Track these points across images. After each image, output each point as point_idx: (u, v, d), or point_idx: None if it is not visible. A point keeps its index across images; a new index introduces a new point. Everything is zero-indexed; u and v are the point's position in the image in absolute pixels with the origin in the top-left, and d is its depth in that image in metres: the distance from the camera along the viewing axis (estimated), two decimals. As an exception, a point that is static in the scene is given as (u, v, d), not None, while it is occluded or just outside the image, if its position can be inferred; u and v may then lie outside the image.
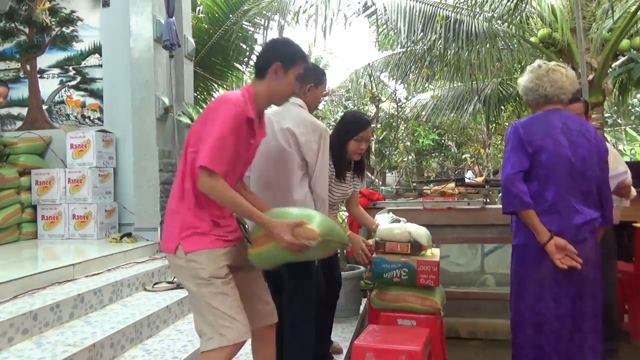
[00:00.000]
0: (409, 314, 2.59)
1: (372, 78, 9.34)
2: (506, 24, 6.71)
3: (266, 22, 7.12)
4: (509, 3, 6.20)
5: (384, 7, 6.99)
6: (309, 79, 2.45)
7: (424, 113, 10.41)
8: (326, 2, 6.65)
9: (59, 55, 5.04)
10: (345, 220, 4.07)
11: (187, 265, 1.84)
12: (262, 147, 2.16)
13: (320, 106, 11.88)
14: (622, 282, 3.58)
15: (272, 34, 7.34)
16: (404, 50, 7.92)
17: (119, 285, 3.24)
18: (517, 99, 8.68)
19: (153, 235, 4.40)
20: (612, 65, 6.64)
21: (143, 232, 4.44)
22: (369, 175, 9.22)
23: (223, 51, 7.13)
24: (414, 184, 7.19)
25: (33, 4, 5.02)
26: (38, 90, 5.08)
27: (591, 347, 2.22)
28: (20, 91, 5.09)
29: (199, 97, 7.26)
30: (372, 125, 8.95)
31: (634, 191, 2.91)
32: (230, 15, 7.03)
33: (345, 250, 3.78)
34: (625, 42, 6.21)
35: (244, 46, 7.38)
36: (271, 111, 2.64)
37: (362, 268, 3.85)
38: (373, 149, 9.73)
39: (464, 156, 13.06)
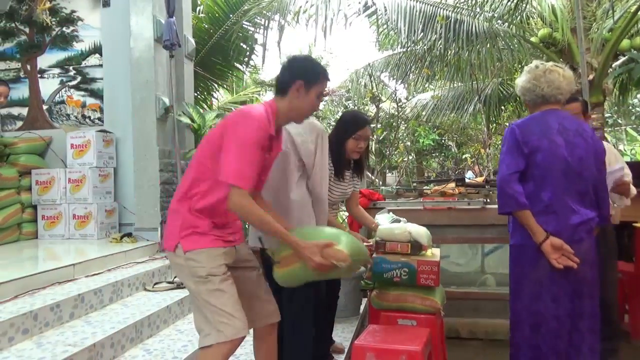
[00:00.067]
0: (409, 314, 2.59)
1: (372, 78, 9.34)
2: (506, 24, 6.70)
3: (266, 22, 7.12)
4: (509, 3, 6.20)
5: (384, 7, 6.99)
6: None
7: (424, 113, 10.40)
8: (326, 2, 6.64)
9: (60, 55, 5.04)
10: (346, 220, 4.07)
11: (186, 263, 1.86)
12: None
13: (321, 106, 11.88)
14: (622, 282, 3.58)
15: (273, 34, 7.35)
16: (404, 50, 7.92)
17: (119, 285, 3.25)
18: (518, 99, 8.67)
19: (153, 235, 4.40)
20: (613, 65, 6.63)
21: (143, 232, 4.44)
22: (369, 175, 9.23)
23: (223, 51, 7.13)
24: (414, 184, 7.19)
25: (33, 3, 5.02)
26: (38, 90, 5.09)
27: (590, 347, 2.22)
28: (21, 91, 5.10)
29: (199, 97, 7.27)
30: (372, 125, 8.96)
31: (633, 189, 2.90)
32: (231, 15, 7.04)
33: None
34: (625, 42, 6.21)
35: (244, 46, 7.38)
36: None
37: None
38: (373, 149, 9.72)
39: (464, 156, 13.05)
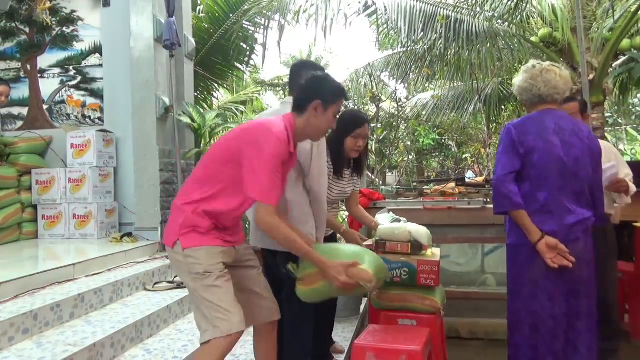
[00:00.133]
0: (409, 314, 2.59)
1: (372, 78, 9.34)
2: (507, 23, 6.69)
3: (266, 21, 7.11)
4: (509, 2, 6.19)
5: (385, 7, 6.98)
6: (302, 77, 2.44)
7: (424, 113, 10.40)
8: (326, 2, 6.64)
9: (60, 55, 5.04)
10: (346, 219, 4.07)
11: (185, 260, 1.89)
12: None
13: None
14: (622, 281, 3.58)
15: (273, 34, 7.36)
16: (405, 49, 7.91)
17: (120, 285, 3.25)
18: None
19: (153, 234, 4.40)
20: (613, 65, 6.63)
21: (143, 232, 4.44)
22: (369, 174, 9.23)
23: (223, 51, 7.13)
24: (415, 184, 7.19)
25: (33, 3, 5.02)
26: (38, 90, 5.09)
27: (588, 347, 2.22)
28: (21, 91, 5.10)
29: (199, 96, 7.27)
30: (373, 125, 8.95)
31: (633, 187, 2.89)
32: (231, 15, 7.03)
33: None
34: (625, 42, 6.20)
35: (245, 46, 7.38)
36: (269, 112, 2.64)
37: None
38: (373, 149, 9.72)
39: (464, 156, 13.06)
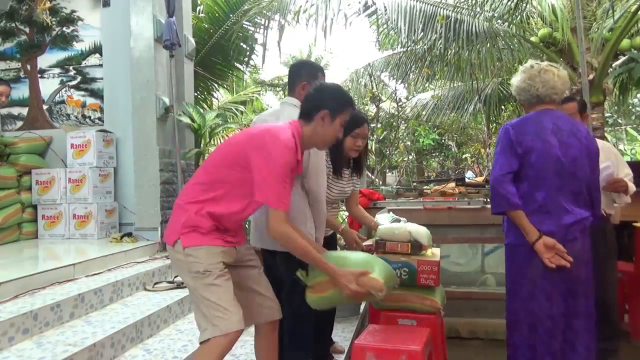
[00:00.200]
0: (409, 314, 2.59)
1: (372, 78, 9.34)
2: (506, 23, 6.69)
3: (266, 21, 7.11)
4: (509, 3, 6.19)
5: (385, 7, 6.98)
6: (300, 77, 2.44)
7: (424, 113, 10.40)
8: (326, 2, 6.64)
9: (60, 55, 5.05)
10: (346, 219, 4.07)
11: (185, 259, 1.90)
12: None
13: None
14: (622, 281, 3.58)
15: (273, 34, 7.36)
16: (405, 49, 7.92)
17: (120, 285, 3.25)
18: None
19: (153, 234, 4.41)
20: (613, 65, 6.63)
21: (143, 232, 4.44)
22: (369, 175, 9.23)
23: (223, 51, 7.13)
24: (415, 184, 7.19)
25: (33, 3, 5.02)
26: (38, 90, 5.09)
27: (586, 347, 2.22)
28: (21, 91, 5.10)
29: (199, 96, 7.27)
30: (373, 125, 8.95)
31: (632, 186, 2.89)
32: (231, 15, 7.04)
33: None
34: (625, 42, 6.20)
35: (245, 46, 7.38)
36: (267, 112, 2.65)
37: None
38: (373, 149, 9.72)
39: (464, 156, 13.06)
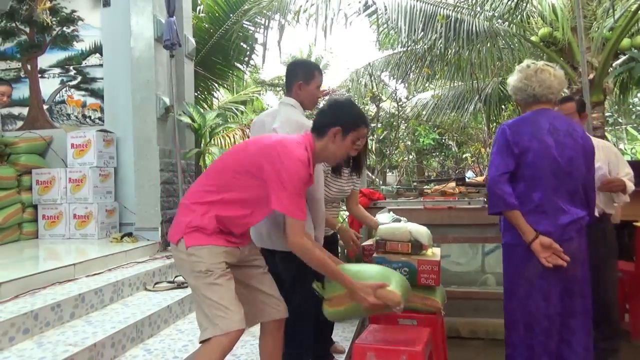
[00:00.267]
0: (409, 314, 2.58)
1: (372, 77, 9.34)
2: (507, 23, 6.69)
3: (267, 21, 7.11)
4: (509, 2, 6.18)
5: (385, 7, 6.97)
6: (297, 76, 2.45)
7: (424, 112, 10.40)
8: (327, 2, 6.63)
9: (60, 55, 5.05)
10: (346, 219, 4.07)
11: (188, 258, 1.90)
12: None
13: (321, 105, 11.87)
14: (622, 281, 3.58)
15: (273, 34, 7.36)
16: (405, 49, 7.91)
17: (120, 285, 3.25)
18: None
19: (154, 234, 4.41)
20: (613, 64, 6.63)
21: (144, 232, 4.44)
22: (370, 174, 9.23)
23: (224, 51, 7.14)
24: (415, 184, 7.19)
25: (34, 3, 5.02)
26: (39, 90, 5.09)
27: (584, 346, 2.23)
28: (21, 91, 5.10)
29: (199, 96, 7.27)
30: (373, 125, 8.95)
31: (630, 185, 2.89)
32: (231, 15, 7.04)
33: (345, 251, 3.77)
34: (626, 41, 6.20)
35: (245, 46, 7.38)
36: (265, 113, 2.65)
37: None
38: (374, 149, 9.72)
39: (464, 155, 13.07)
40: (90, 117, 5.00)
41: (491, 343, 3.63)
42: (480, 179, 4.73)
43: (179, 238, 1.91)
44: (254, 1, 6.96)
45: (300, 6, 7.00)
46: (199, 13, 7.26)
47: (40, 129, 4.95)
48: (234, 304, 1.87)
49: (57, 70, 5.06)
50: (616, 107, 11.37)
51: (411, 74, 8.82)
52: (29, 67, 5.10)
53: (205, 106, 7.55)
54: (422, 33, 6.83)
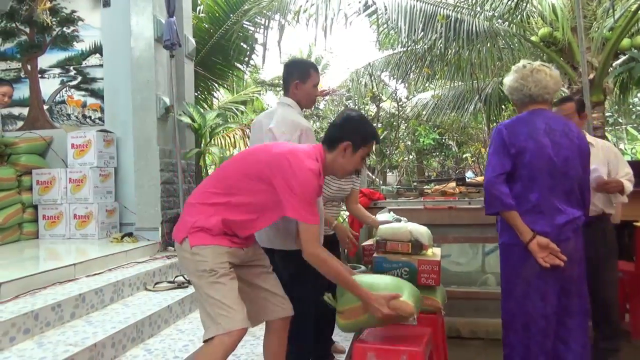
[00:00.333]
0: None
1: (372, 77, 9.35)
2: (507, 23, 6.68)
3: (267, 21, 7.11)
4: (509, 2, 6.18)
5: (385, 7, 6.97)
6: (293, 75, 2.45)
7: (424, 112, 10.40)
8: (327, 2, 6.63)
9: (60, 55, 5.05)
10: (346, 219, 4.08)
11: (192, 257, 1.91)
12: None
13: (321, 105, 11.90)
14: (622, 281, 3.58)
15: (273, 34, 7.36)
16: (405, 49, 7.91)
17: (120, 285, 3.25)
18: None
19: (154, 234, 4.41)
20: (613, 64, 6.63)
21: (144, 232, 4.44)
22: (370, 174, 9.23)
23: (224, 51, 7.14)
24: (415, 184, 7.19)
25: (34, 3, 5.02)
26: (39, 90, 5.09)
27: (582, 345, 2.23)
28: (21, 91, 5.10)
29: (199, 96, 7.27)
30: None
31: (629, 186, 2.89)
32: (231, 15, 7.04)
33: (345, 251, 3.78)
34: (626, 41, 6.20)
35: (245, 46, 7.38)
36: (263, 113, 2.66)
37: (363, 267, 3.85)
38: (374, 149, 9.72)
39: (464, 155, 13.07)
40: (90, 117, 5.00)
41: (491, 343, 3.63)
42: (480, 179, 4.73)
43: (184, 237, 1.92)
44: (254, 1, 6.96)
45: (300, 6, 7.00)
46: (199, 13, 7.26)
47: (41, 129, 4.95)
48: (236, 303, 1.87)
49: (57, 71, 5.06)
50: (616, 107, 11.37)
51: (411, 74, 8.81)
52: (29, 67, 5.10)
53: (206, 106, 7.55)
54: (422, 33, 6.83)
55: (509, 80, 2.38)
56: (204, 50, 6.90)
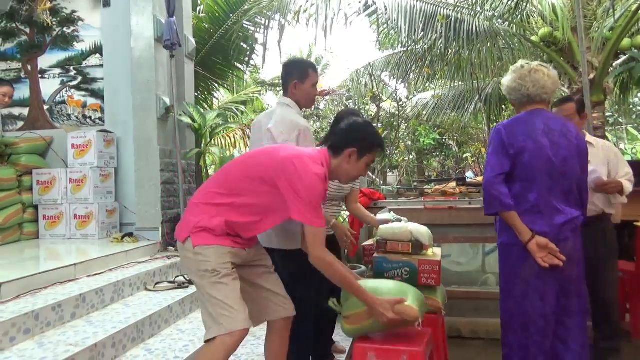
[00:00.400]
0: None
1: (373, 77, 9.34)
2: (507, 22, 6.69)
3: (267, 21, 7.11)
4: (509, 2, 6.18)
5: (385, 7, 6.97)
6: (292, 75, 2.45)
7: (424, 112, 10.39)
8: (327, 2, 6.63)
9: (60, 56, 5.05)
10: (347, 220, 4.08)
11: (194, 257, 1.91)
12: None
13: (321, 105, 11.89)
14: (623, 281, 3.58)
15: (273, 34, 7.37)
16: (405, 49, 7.91)
17: (121, 285, 3.25)
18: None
19: (154, 234, 4.41)
20: (613, 64, 6.63)
21: (144, 232, 4.44)
22: (370, 174, 9.23)
23: (224, 51, 7.14)
24: (415, 184, 7.19)
25: (34, 4, 5.03)
26: (39, 90, 5.09)
27: (581, 344, 2.23)
28: (22, 91, 5.10)
29: (199, 96, 7.27)
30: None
31: (628, 186, 2.88)
32: (231, 15, 7.04)
33: (345, 251, 3.78)
34: (626, 41, 6.20)
35: (245, 46, 7.39)
36: (263, 114, 2.66)
37: (364, 268, 3.86)
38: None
39: (465, 155, 13.06)
40: (90, 117, 5.00)
41: (492, 343, 3.62)
42: (480, 179, 4.72)
43: (187, 237, 1.92)
44: (254, 1, 6.96)
45: (301, 6, 7.00)
46: (199, 13, 7.26)
47: (41, 129, 4.95)
48: (238, 303, 1.87)
49: (57, 71, 5.06)
50: (616, 107, 11.37)
51: (411, 74, 8.81)
52: (29, 67, 5.10)
53: (206, 106, 7.55)
54: (422, 33, 6.82)
55: (507, 80, 2.38)
56: (204, 50, 6.91)
